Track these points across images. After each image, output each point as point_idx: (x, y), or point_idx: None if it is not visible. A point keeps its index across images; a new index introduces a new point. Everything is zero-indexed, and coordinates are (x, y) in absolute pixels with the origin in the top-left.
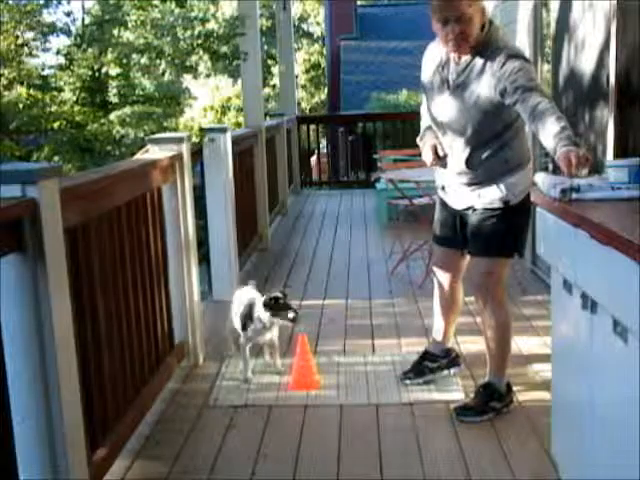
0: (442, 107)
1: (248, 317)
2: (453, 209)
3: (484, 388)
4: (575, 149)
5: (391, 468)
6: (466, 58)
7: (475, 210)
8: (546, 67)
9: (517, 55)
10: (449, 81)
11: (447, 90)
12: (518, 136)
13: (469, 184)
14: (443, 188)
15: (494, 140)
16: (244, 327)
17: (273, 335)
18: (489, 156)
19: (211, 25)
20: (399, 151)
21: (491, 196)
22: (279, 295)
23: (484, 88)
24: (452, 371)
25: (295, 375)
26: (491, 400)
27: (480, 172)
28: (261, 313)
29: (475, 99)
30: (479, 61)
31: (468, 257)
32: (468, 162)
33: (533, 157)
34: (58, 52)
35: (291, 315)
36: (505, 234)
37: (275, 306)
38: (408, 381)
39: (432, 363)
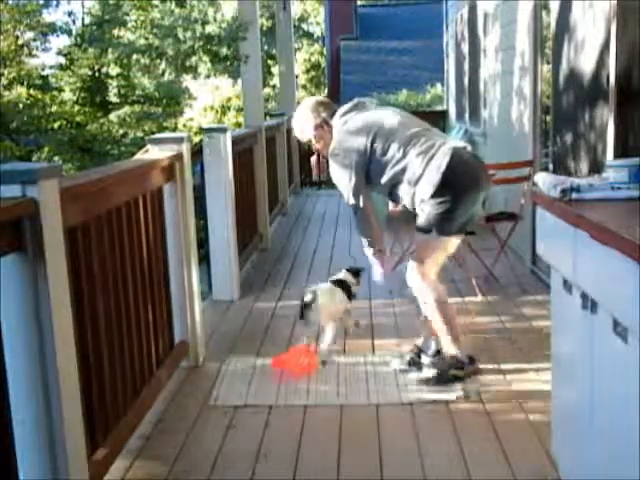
0: None
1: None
2: None
3: (439, 359)
4: None
5: (391, 468)
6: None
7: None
8: (546, 67)
9: (330, 156)
10: None
11: None
12: (401, 167)
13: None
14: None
15: (390, 182)
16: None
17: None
18: (398, 187)
19: (212, 27)
20: None
21: (417, 199)
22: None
23: None
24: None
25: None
26: (451, 368)
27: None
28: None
29: None
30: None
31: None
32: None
33: (534, 157)
34: (58, 52)
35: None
36: (426, 216)
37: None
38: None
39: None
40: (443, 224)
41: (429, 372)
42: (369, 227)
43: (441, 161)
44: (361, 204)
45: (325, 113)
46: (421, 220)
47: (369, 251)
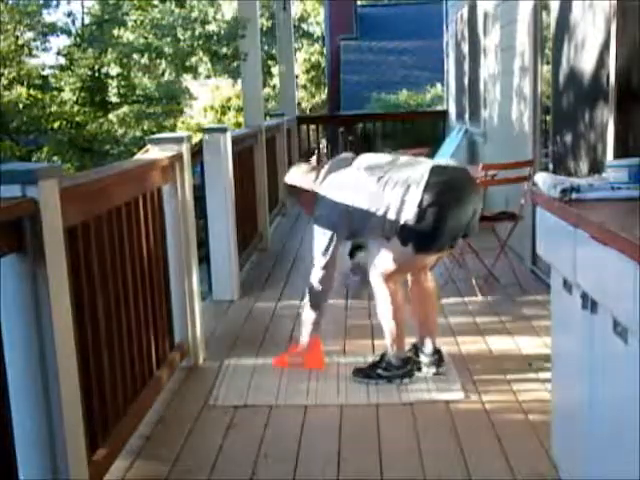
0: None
1: None
2: None
3: (379, 357)
4: None
5: (391, 468)
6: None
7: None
8: (546, 67)
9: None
10: None
11: None
12: (382, 211)
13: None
14: None
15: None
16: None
17: None
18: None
19: (211, 27)
20: (399, 151)
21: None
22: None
23: None
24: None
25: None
26: (378, 368)
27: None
28: None
29: None
30: None
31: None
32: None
33: (534, 157)
34: (58, 52)
35: None
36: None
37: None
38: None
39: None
40: (422, 243)
41: (365, 365)
42: (324, 295)
43: (416, 190)
44: (326, 267)
45: (310, 180)
46: (402, 232)
47: (309, 316)
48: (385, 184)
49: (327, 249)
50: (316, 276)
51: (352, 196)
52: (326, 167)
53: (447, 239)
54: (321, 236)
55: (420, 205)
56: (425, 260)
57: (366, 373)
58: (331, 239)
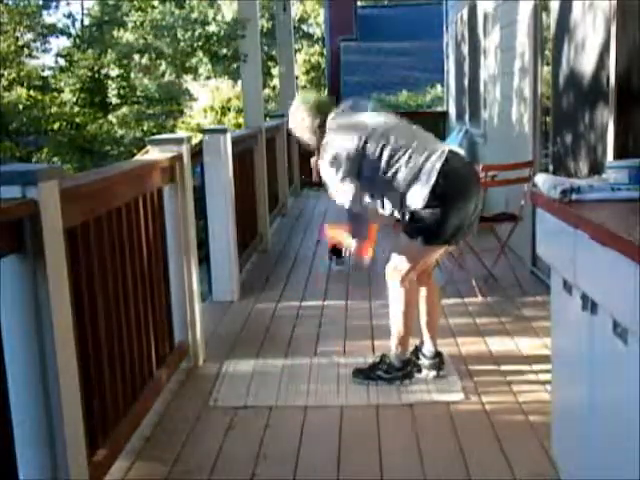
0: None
1: None
2: None
3: (379, 358)
4: None
5: (391, 468)
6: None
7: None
8: (546, 68)
9: (324, 161)
10: None
11: None
12: (395, 173)
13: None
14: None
15: (380, 187)
16: None
17: None
18: (387, 194)
19: (211, 28)
20: None
21: (405, 208)
22: None
23: None
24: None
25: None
26: (378, 369)
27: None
28: None
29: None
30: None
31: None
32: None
33: (534, 158)
34: (58, 53)
35: None
36: (415, 223)
37: None
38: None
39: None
40: (430, 234)
41: (365, 366)
42: (366, 229)
43: (431, 170)
44: (361, 205)
45: (320, 117)
46: (409, 227)
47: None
48: (400, 151)
49: (348, 168)
50: (347, 207)
51: (364, 145)
52: (343, 106)
53: (452, 231)
54: (332, 174)
55: (432, 194)
56: (433, 254)
57: (366, 374)
58: (348, 161)
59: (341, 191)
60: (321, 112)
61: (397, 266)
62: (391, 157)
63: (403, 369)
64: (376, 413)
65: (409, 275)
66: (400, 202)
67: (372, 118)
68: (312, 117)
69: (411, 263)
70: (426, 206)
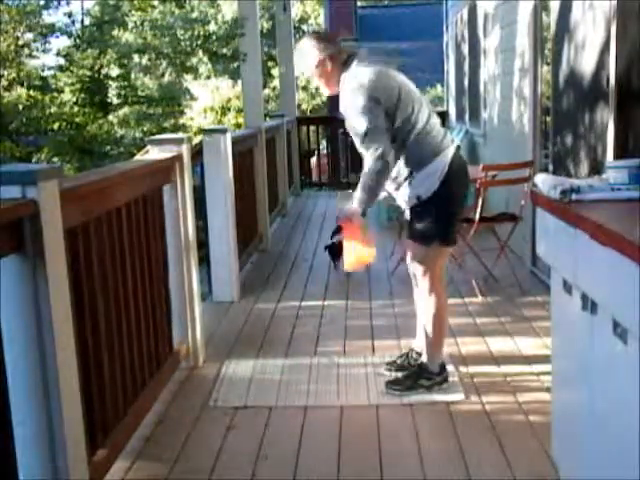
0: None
1: None
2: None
3: (418, 367)
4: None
5: (391, 468)
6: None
7: (406, 207)
8: (546, 68)
9: (352, 89)
10: None
11: None
12: (411, 141)
13: (394, 188)
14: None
15: (398, 146)
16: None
17: None
18: (402, 156)
19: (211, 27)
20: None
21: (407, 194)
22: None
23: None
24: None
25: (349, 253)
26: (420, 378)
27: (393, 174)
28: None
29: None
30: (341, 94)
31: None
32: None
33: (534, 158)
34: (58, 53)
35: None
36: (426, 225)
37: None
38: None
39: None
40: (445, 234)
41: (402, 377)
42: (381, 186)
43: (445, 154)
44: (385, 153)
45: (332, 48)
46: (420, 231)
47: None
48: (424, 126)
49: (377, 118)
50: (370, 151)
51: (398, 99)
52: (366, 54)
53: (456, 226)
54: (361, 109)
55: (441, 187)
56: (448, 252)
57: (408, 385)
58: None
59: (369, 130)
60: (331, 44)
61: (422, 275)
62: (414, 127)
63: (441, 374)
64: (376, 413)
65: (436, 280)
66: (411, 173)
67: (406, 79)
68: (319, 49)
69: (433, 267)
70: (433, 196)
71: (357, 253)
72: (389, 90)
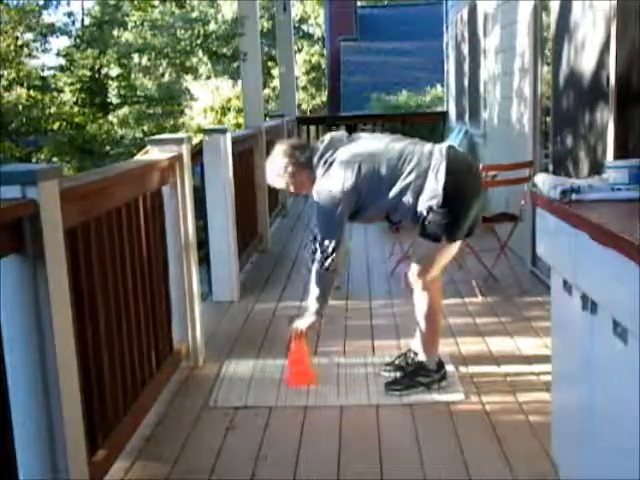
0: None
1: None
2: None
3: (415, 365)
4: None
5: (391, 468)
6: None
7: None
8: (546, 68)
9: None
10: None
11: None
12: (395, 193)
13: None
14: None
15: (387, 207)
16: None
17: None
18: (397, 207)
19: (211, 26)
20: None
21: (421, 214)
22: None
23: None
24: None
25: (292, 371)
26: (417, 376)
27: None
28: None
29: None
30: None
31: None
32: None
33: (534, 158)
34: (58, 53)
35: None
36: (435, 225)
37: None
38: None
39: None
40: (453, 231)
41: (400, 377)
42: (329, 286)
43: (438, 168)
44: (336, 253)
45: (301, 157)
46: (429, 229)
47: (311, 317)
48: (398, 163)
49: (336, 227)
50: (323, 259)
51: (358, 176)
52: (322, 146)
53: (470, 224)
54: (326, 215)
55: (445, 191)
56: (455, 248)
57: (406, 384)
58: (340, 214)
59: (328, 232)
60: (300, 153)
61: (420, 271)
62: (391, 173)
63: (439, 371)
64: (376, 413)
65: (431, 277)
66: (414, 211)
67: (356, 146)
68: (290, 161)
69: (437, 263)
70: (442, 204)
71: (302, 373)
72: (351, 193)
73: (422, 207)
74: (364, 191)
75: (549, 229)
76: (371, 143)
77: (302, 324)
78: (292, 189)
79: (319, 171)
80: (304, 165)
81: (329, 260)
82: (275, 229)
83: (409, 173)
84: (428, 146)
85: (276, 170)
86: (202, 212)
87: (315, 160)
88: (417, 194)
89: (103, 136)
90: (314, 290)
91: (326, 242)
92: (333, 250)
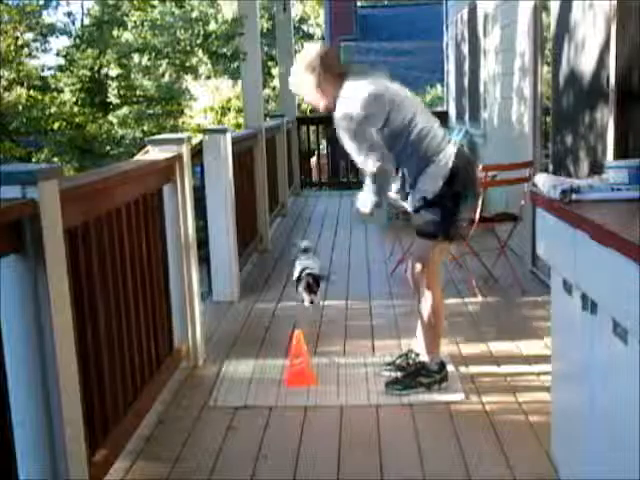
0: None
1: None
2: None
3: (417, 366)
4: None
5: (391, 468)
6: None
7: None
8: (546, 68)
9: (343, 115)
10: None
11: None
12: (409, 149)
13: (402, 198)
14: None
15: (396, 155)
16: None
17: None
18: (401, 164)
19: (211, 26)
20: None
21: (414, 199)
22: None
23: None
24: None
25: (291, 371)
26: (418, 376)
27: (401, 177)
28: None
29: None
30: (335, 113)
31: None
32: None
33: (534, 158)
34: (58, 53)
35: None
36: (430, 221)
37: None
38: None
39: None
40: (449, 228)
41: (401, 376)
42: (388, 183)
43: (448, 156)
44: (382, 163)
45: (334, 66)
46: (425, 226)
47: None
48: (421, 132)
49: (369, 142)
50: (370, 168)
51: (390, 112)
52: (363, 68)
53: (463, 220)
54: (353, 135)
55: (445, 186)
56: (448, 248)
57: (406, 384)
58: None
59: (363, 151)
60: (328, 63)
61: (420, 270)
62: (411, 135)
63: (441, 372)
64: (376, 413)
65: (431, 276)
66: (414, 179)
67: (398, 88)
68: (316, 70)
69: (435, 261)
70: (438, 199)
71: (302, 373)
72: (381, 106)
73: (423, 185)
74: (384, 131)
75: (549, 229)
76: (411, 99)
77: (364, 208)
78: (310, 96)
79: (350, 88)
80: (334, 75)
81: (374, 167)
82: (275, 229)
83: (428, 141)
84: (446, 138)
85: (303, 68)
86: (202, 212)
87: (350, 78)
88: (422, 167)
89: (103, 136)
90: (371, 185)
91: (363, 158)
92: (375, 161)
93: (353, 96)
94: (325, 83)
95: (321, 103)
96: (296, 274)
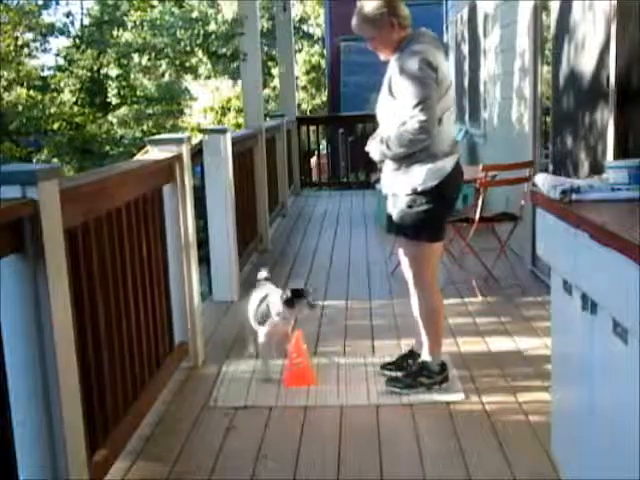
0: (379, 102)
1: (265, 314)
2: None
3: (418, 366)
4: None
5: (391, 468)
6: (390, 59)
7: (394, 195)
8: (546, 68)
9: (409, 56)
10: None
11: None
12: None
13: (394, 169)
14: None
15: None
16: (262, 323)
17: (289, 330)
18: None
19: (211, 26)
20: None
21: (404, 180)
22: (297, 288)
23: (388, 85)
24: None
25: (291, 371)
26: (420, 376)
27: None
28: (278, 306)
29: (387, 94)
30: (392, 62)
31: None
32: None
33: (534, 158)
34: (57, 53)
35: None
36: (416, 219)
37: (293, 299)
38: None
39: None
40: (434, 231)
41: (402, 375)
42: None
43: (449, 166)
44: (430, 128)
45: (402, 17)
46: (409, 225)
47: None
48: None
49: (427, 88)
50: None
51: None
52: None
53: (444, 223)
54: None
55: (437, 188)
56: (439, 247)
57: (407, 383)
58: (428, 75)
59: (423, 103)
60: (401, 14)
61: (415, 274)
62: (444, 124)
63: (442, 373)
64: (376, 413)
65: (429, 278)
66: (411, 164)
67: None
68: (390, 11)
69: (426, 266)
70: (428, 191)
71: (301, 373)
72: (440, 69)
73: (419, 177)
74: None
75: (549, 229)
76: (452, 93)
77: (375, 155)
78: (373, 40)
79: (421, 40)
80: (399, 25)
81: (421, 124)
82: (275, 229)
83: (447, 141)
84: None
85: (371, 10)
86: (202, 212)
87: (409, 38)
88: (430, 160)
89: (103, 136)
90: (395, 147)
91: (420, 107)
92: (422, 119)
93: (430, 52)
94: (389, 31)
95: (383, 47)
96: (252, 308)
